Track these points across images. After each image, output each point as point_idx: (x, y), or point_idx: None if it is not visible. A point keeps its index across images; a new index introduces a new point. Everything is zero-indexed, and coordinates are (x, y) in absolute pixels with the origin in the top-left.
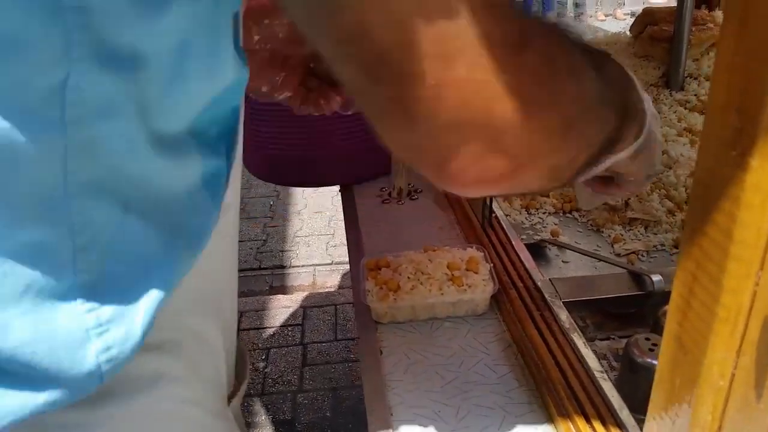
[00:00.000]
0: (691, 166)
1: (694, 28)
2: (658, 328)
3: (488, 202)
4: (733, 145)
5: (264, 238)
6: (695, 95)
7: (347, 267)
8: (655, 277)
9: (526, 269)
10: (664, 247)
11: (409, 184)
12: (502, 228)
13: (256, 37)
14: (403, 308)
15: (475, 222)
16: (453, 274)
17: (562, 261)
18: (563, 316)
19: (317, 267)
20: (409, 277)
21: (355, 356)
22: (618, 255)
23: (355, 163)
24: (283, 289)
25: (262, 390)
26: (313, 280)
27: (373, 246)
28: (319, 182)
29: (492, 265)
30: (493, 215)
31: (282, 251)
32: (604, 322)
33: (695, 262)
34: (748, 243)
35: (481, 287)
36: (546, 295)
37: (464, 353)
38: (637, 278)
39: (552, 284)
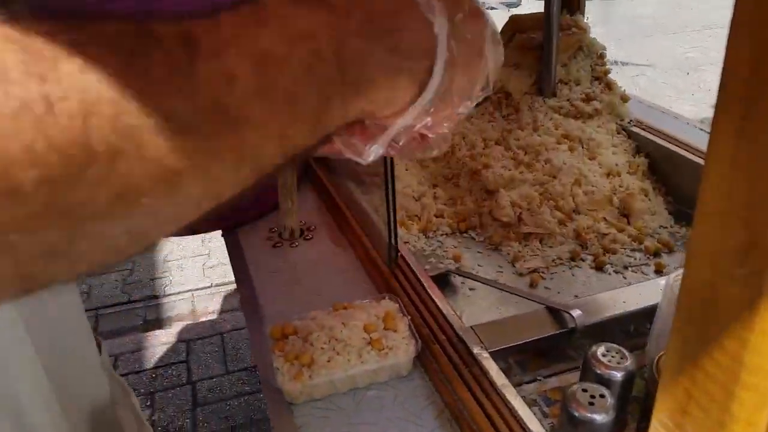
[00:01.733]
0: (573, 173)
1: (561, 34)
2: (589, 373)
3: (392, 240)
4: (742, 261)
5: (130, 267)
6: (568, 100)
7: (229, 288)
8: (575, 312)
9: (444, 317)
10: (562, 261)
11: (301, 222)
12: (409, 266)
13: None
14: (321, 385)
15: (379, 261)
16: (371, 337)
17: (469, 288)
18: (493, 371)
19: (195, 292)
20: (323, 348)
21: (251, 389)
22: (521, 275)
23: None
24: (160, 323)
25: None
26: (193, 307)
27: (270, 303)
28: (193, 230)
29: (410, 318)
30: (399, 255)
31: (152, 279)
32: (526, 360)
33: (691, 380)
34: (763, 370)
35: (403, 348)
36: (471, 347)
37: (395, 426)
38: (556, 313)
39: (475, 333)
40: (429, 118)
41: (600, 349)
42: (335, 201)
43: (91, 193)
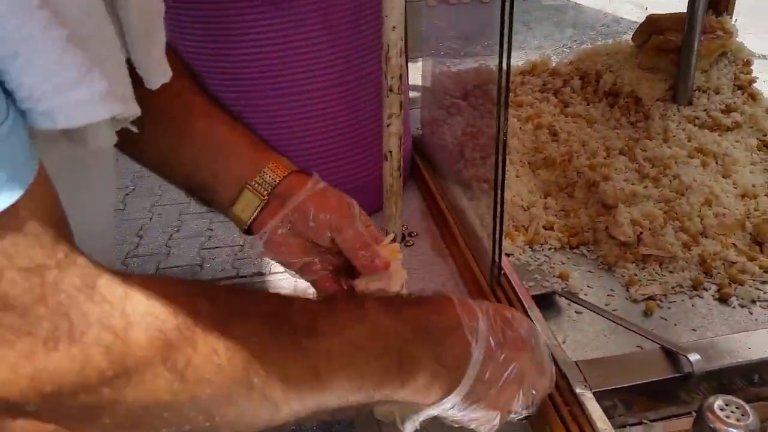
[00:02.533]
0: (704, 192)
1: (703, 37)
2: (704, 427)
3: (496, 257)
4: None
5: (241, 243)
6: (705, 110)
7: None
8: (693, 357)
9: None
10: (682, 289)
11: (403, 227)
12: (512, 286)
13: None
14: (411, 405)
15: (479, 275)
16: None
17: (575, 312)
18: (596, 414)
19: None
20: None
21: None
22: (635, 301)
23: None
24: None
25: None
26: (296, 286)
27: None
28: None
29: None
30: (503, 273)
31: (260, 257)
32: (632, 400)
33: None
34: None
35: None
36: (573, 386)
37: None
38: (671, 355)
39: (579, 369)
40: (463, 415)
41: (717, 402)
42: (439, 206)
43: (233, 407)
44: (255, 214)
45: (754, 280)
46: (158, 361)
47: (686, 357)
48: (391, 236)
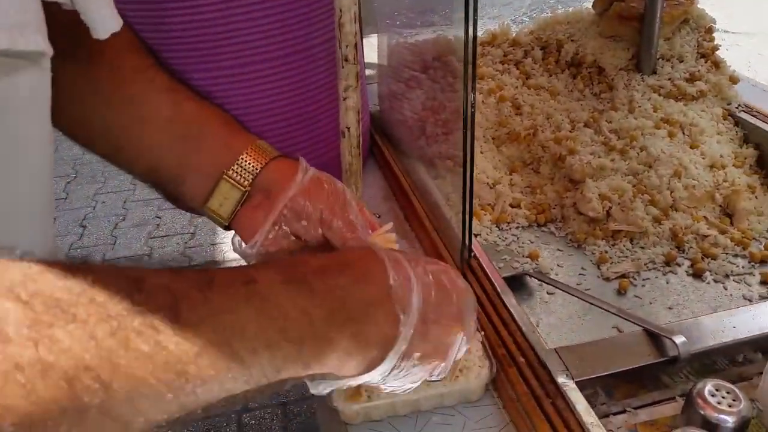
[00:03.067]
0: (673, 164)
1: (665, 4)
2: (693, 414)
3: (466, 239)
4: None
5: (191, 230)
6: (669, 79)
7: None
8: (678, 339)
9: (524, 335)
10: (655, 265)
11: None
12: (483, 270)
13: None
14: (381, 406)
15: (447, 258)
16: None
17: (547, 293)
18: (581, 406)
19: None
20: None
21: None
22: (607, 279)
23: None
24: None
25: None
26: None
27: None
28: None
29: (483, 333)
30: (473, 255)
31: (213, 244)
32: (613, 386)
33: None
34: None
35: (475, 371)
36: (555, 375)
37: None
38: (654, 337)
39: (559, 357)
40: (381, 384)
41: (707, 387)
42: (402, 186)
43: None
44: (236, 208)
45: (726, 253)
46: None
47: (671, 339)
48: (389, 226)
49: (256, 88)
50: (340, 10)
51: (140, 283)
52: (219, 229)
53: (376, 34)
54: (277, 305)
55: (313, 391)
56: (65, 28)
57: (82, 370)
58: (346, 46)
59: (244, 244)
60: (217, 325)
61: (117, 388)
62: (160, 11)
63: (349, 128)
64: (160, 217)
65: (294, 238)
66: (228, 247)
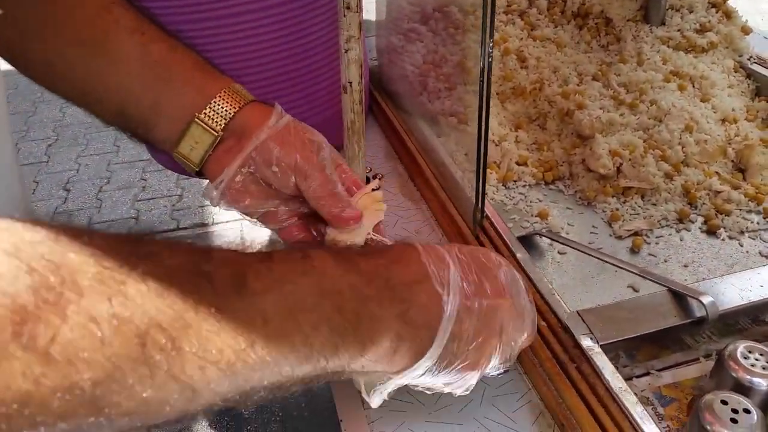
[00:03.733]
0: (684, 118)
1: None
2: (725, 377)
3: (479, 201)
4: None
5: (179, 192)
6: (679, 30)
7: None
8: (706, 300)
9: (543, 298)
10: (668, 222)
11: (367, 170)
12: (497, 230)
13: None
14: None
15: (458, 218)
16: None
17: (558, 253)
18: (607, 371)
19: (244, 222)
20: None
21: None
22: (619, 237)
23: None
24: None
25: None
26: (241, 237)
27: None
28: None
29: None
30: (485, 216)
31: (201, 206)
32: (635, 347)
33: None
34: None
35: None
36: (579, 339)
37: (484, 429)
38: (680, 298)
39: (582, 320)
40: (435, 381)
41: (740, 349)
42: (405, 144)
43: (129, 395)
44: (207, 153)
45: (740, 209)
46: (7, 336)
47: (699, 300)
48: (375, 183)
49: (251, 39)
50: None
51: (207, 255)
52: None
53: None
54: (332, 279)
55: (369, 401)
56: None
57: (155, 327)
58: None
59: (213, 190)
60: (281, 294)
61: (187, 350)
62: None
63: (351, 83)
64: (145, 180)
65: (265, 185)
66: (216, 209)
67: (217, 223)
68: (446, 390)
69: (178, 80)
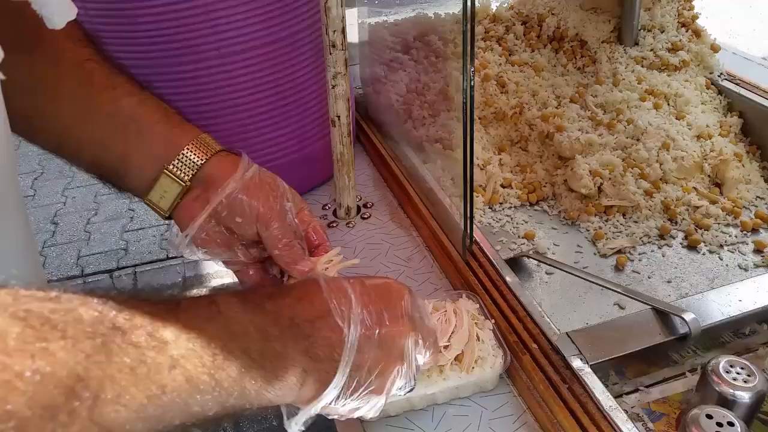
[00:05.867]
0: (661, 136)
1: None
2: (709, 391)
3: (468, 228)
4: None
5: (167, 222)
6: (652, 50)
7: None
8: (688, 316)
9: (532, 319)
10: (650, 239)
11: (357, 198)
12: (485, 254)
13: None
14: (397, 402)
15: (449, 247)
16: None
17: (546, 273)
18: (598, 390)
19: None
20: None
21: None
22: (604, 255)
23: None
24: (200, 280)
25: None
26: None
27: None
28: None
29: (494, 321)
30: (474, 241)
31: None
32: (624, 365)
33: None
34: None
35: (490, 361)
36: (569, 360)
37: None
38: (663, 316)
39: (572, 341)
40: (345, 407)
41: (722, 364)
42: (393, 172)
43: None
44: (175, 201)
45: (718, 223)
46: None
47: (681, 317)
48: (336, 251)
49: (238, 79)
50: None
51: (120, 308)
52: None
53: (354, 9)
54: (237, 322)
55: (288, 428)
56: (5, 18)
57: (74, 378)
58: (334, 32)
59: (176, 238)
60: (188, 341)
61: (104, 397)
62: (133, 4)
63: (339, 117)
64: (133, 210)
65: (228, 232)
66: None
67: None
68: (356, 415)
69: (147, 132)
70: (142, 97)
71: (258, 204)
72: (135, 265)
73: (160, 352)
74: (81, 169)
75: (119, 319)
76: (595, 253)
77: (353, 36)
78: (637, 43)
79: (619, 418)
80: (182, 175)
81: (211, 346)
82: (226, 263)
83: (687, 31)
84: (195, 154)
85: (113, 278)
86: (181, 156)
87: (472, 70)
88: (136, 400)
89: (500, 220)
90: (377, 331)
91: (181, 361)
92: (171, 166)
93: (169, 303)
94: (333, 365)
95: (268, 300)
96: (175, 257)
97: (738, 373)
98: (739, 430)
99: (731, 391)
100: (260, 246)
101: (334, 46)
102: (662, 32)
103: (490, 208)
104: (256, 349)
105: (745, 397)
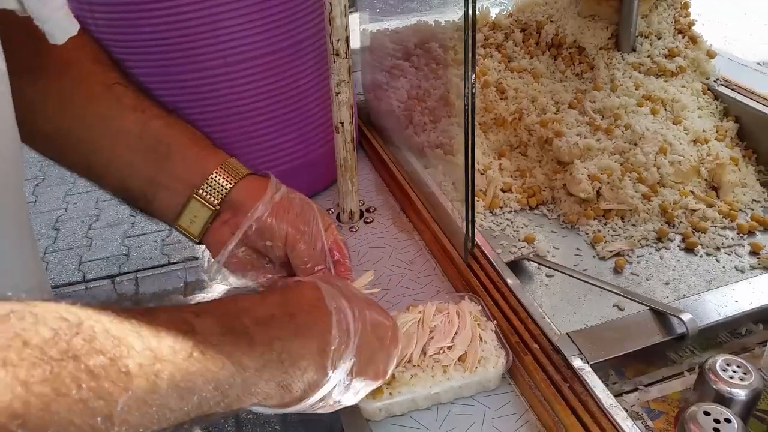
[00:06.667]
0: (658, 140)
1: None
2: (706, 389)
3: (469, 231)
4: None
5: (168, 227)
6: (649, 56)
7: None
8: (686, 317)
9: (534, 321)
10: (648, 242)
11: (361, 203)
12: (486, 257)
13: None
14: (402, 402)
15: (451, 250)
16: None
17: (546, 276)
18: (598, 389)
19: None
20: (405, 366)
21: None
22: (603, 258)
23: (289, 175)
24: (202, 285)
25: None
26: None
27: None
28: None
29: (495, 322)
30: (475, 245)
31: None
32: (623, 365)
33: None
34: None
35: (492, 361)
36: (570, 360)
37: None
38: (661, 316)
39: (572, 341)
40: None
41: (719, 363)
42: (395, 177)
43: None
44: (206, 226)
45: (715, 226)
46: None
47: (678, 317)
48: (369, 275)
49: (243, 87)
50: (330, 4)
51: (80, 327)
52: None
53: (356, 14)
54: (212, 358)
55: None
56: (28, 41)
57: (8, 417)
58: (338, 41)
59: (207, 263)
60: (152, 373)
61: None
62: (138, 13)
63: (342, 123)
64: (134, 216)
65: (258, 255)
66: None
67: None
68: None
69: (176, 156)
70: (170, 120)
71: (286, 226)
72: (137, 271)
73: (117, 383)
74: (108, 192)
75: (77, 342)
76: (594, 256)
77: (355, 42)
78: (634, 50)
79: (619, 415)
80: (212, 199)
81: (174, 378)
82: (255, 282)
83: (683, 38)
84: (224, 178)
85: (115, 284)
86: (210, 180)
87: (473, 77)
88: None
89: (501, 224)
90: (354, 382)
91: (138, 392)
92: (200, 191)
93: (142, 319)
94: (301, 396)
95: (261, 328)
96: (176, 262)
97: (734, 372)
98: (735, 426)
99: (728, 389)
100: (290, 266)
101: (338, 54)
102: (659, 39)
103: (490, 212)
104: (225, 382)
105: (741, 394)
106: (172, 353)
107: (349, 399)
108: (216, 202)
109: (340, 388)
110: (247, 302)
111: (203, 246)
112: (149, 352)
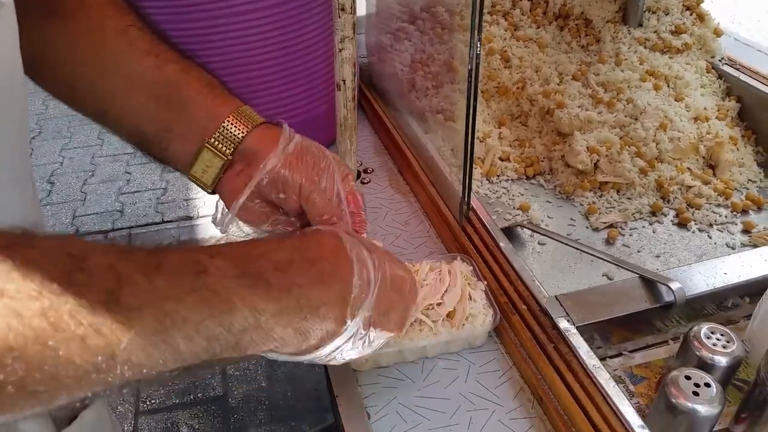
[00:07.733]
0: (659, 116)
1: None
2: (689, 355)
3: (466, 195)
4: None
5: (163, 185)
6: (655, 32)
7: None
8: (674, 285)
9: (524, 284)
10: (642, 215)
11: (358, 163)
12: (481, 221)
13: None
14: (389, 354)
15: (446, 212)
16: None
17: (539, 243)
18: (583, 350)
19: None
20: None
21: None
22: (596, 229)
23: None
24: (195, 243)
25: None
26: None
27: None
28: None
29: (486, 282)
30: (471, 209)
31: (186, 200)
32: (609, 330)
33: None
34: None
35: (480, 318)
36: (556, 321)
37: (471, 405)
38: (650, 284)
39: (560, 303)
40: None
41: (703, 330)
42: (395, 139)
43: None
44: (218, 176)
45: (709, 203)
46: None
47: (667, 285)
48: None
49: (248, 38)
50: None
51: (82, 262)
52: (192, 184)
53: None
54: (227, 300)
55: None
56: None
57: (3, 348)
58: None
59: (222, 214)
60: (159, 312)
61: (39, 369)
62: None
63: (344, 81)
64: (130, 173)
65: (271, 206)
66: (201, 202)
67: (202, 216)
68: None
69: (190, 103)
70: (184, 65)
71: (299, 177)
72: (130, 227)
73: (119, 322)
74: (123, 139)
75: (78, 278)
76: (587, 227)
77: (361, 3)
78: (641, 25)
79: (602, 377)
80: (224, 148)
81: (187, 320)
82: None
83: (691, 15)
84: (236, 127)
85: (108, 239)
86: (222, 129)
87: (479, 44)
88: (81, 371)
89: (497, 191)
90: (370, 331)
91: (146, 333)
92: (212, 140)
93: (149, 262)
94: (318, 344)
95: (279, 273)
96: (170, 221)
97: (718, 339)
98: (714, 390)
99: (710, 355)
100: (304, 216)
101: (343, 9)
102: (667, 14)
103: (487, 179)
104: (239, 325)
105: (722, 361)
106: (181, 293)
107: (364, 349)
108: (228, 151)
109: (356, 339)
110: (265, 247)
111: (217, 196)
112: (156, 291)
